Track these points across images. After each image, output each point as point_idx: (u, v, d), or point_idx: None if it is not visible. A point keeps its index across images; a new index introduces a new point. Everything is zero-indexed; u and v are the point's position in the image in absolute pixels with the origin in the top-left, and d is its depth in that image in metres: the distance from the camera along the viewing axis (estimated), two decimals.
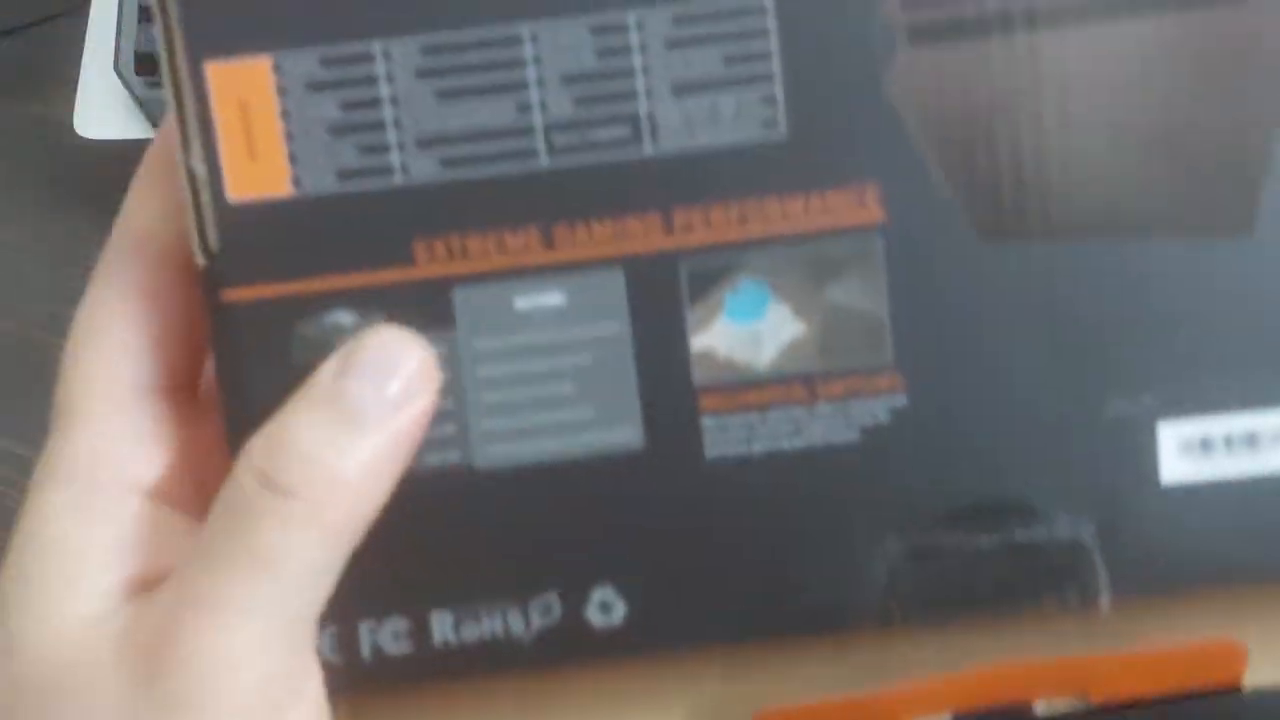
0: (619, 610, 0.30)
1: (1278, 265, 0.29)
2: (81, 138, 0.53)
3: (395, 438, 0.27)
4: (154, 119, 0.52)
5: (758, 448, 0.30)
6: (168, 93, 0.28)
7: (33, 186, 0.57)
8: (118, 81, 0.52)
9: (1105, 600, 0.30)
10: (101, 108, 0.52)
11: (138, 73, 0.52)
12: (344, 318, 0.29)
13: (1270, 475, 0.30)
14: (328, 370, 0.27)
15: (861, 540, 0.30)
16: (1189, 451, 0.30)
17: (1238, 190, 0.29)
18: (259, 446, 0.27)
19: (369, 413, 0.27)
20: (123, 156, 0.51)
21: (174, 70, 0.28)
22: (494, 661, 0.30)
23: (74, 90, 0.53)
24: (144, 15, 0.52)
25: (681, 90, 0.29)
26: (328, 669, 0.29)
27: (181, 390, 0.30)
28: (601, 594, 0.30)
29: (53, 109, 0.56)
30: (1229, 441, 0.30)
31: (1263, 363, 0.30)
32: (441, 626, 0.30)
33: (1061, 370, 0.29)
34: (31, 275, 0.56)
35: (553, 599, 0.30)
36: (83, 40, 0.54)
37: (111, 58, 0.53)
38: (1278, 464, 0.30)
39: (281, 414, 0.27)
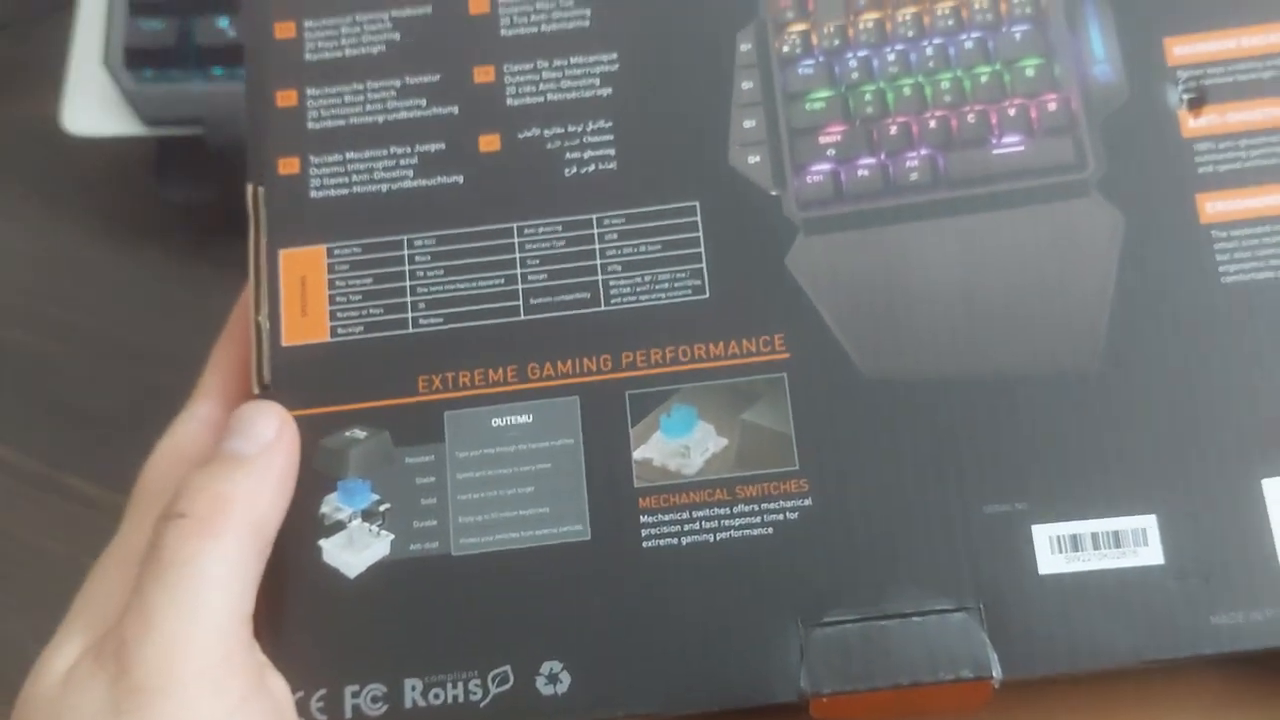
0: (564, 681, 0.34)
1: (1124, 399, 0.35)
2: (70, 134, 0.51)
3: (269, 471, 0.35)
4: (143, 114, 0.51)
5: (687, 540, 0.35)
6: (250, 269, 0.38)
7: (20, 184, 0.55)
8: (107, 77, 0.51)
9: (997, 677, 0.33)
10: (90, 104, 0.51)
11: (127, 67, 0.51)
12: (358, 433, 0.37)
13: (1135, 566, 0.34)
14: (217, 442, 0.35)
15: (775, 620, 0.34)
16: (1061, 548, 0.34)
17: (1083, 339, 0.36)
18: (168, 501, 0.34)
19: (245, 456, 0.35)
20: (111, 153, 0.53)
21: (257, 253, 0.38)
22: None
23: (62, 86, 0.51)
24: (135, 9, 0.51)
25: (629, 266, 0.37)
26: None
27: None
28: (549, 666, 0.35)
29: (40, 105, 0.54)
30: (1096, 539, 0.34)
31: (1120, 476, 0.35)
32: (412, 692, 0.35)
33: (943, 479, 0.35)
34: (18, 275, 0.54)
35: (508, 670, 0.35)
36: (71, 35, 0.52)
37: (100, 52, 0.51)
38: (1141, 558, 0.34)
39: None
